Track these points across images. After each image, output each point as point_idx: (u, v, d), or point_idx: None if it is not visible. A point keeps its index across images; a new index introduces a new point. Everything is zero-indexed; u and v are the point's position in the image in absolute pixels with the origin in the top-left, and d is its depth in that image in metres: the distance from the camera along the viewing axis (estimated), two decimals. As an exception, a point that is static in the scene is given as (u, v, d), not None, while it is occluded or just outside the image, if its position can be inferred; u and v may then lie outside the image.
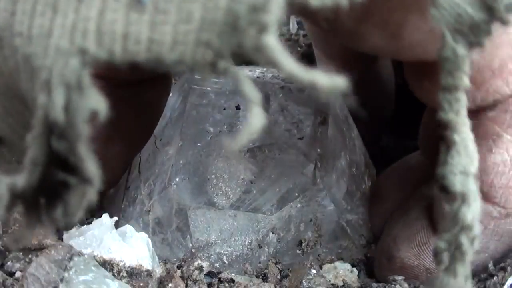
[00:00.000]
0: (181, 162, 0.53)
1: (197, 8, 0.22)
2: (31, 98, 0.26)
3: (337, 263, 0.54)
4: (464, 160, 0.24)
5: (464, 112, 0.25)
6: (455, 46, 0.24)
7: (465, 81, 0.25)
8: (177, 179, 0.52)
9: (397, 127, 0.75)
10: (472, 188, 0.24)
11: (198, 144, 0.54)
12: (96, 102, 0.23)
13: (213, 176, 0.52)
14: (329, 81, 0.21)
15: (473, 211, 0.24)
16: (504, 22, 0.23)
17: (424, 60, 0.33)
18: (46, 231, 0.51)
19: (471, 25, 0.23)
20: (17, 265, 0.48)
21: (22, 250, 0.50)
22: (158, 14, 0.22)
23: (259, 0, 0.21)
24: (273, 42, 0.22)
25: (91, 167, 0.24)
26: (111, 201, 0.60)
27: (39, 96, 0.24)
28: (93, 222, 0.48)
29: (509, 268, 0.52)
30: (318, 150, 0.54)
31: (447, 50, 0.24)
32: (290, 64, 0.22)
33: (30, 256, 0.48)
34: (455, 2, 0.23)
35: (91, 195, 0.26)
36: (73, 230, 0.49)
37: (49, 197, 0.26)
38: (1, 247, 0.50)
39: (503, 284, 0.50)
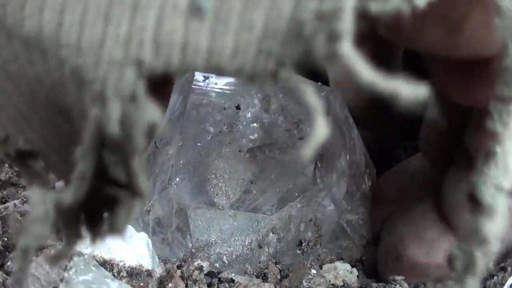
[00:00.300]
0: (181, 162, 0.53)
1: (259, 17, 0.21)
2: (79, 111, 0.25)
3: (337, 263, 0.54)
4: (500, 174, 0.24)
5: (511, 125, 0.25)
6: None
7: None
8: (177, 179, 0.52)
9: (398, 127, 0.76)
10: (501, 204, 0.24)
11: (198, 144, 0.54)
12: (152, 114, 0.23)
13: (213, 176, 0.52)
14: (411, 90, 0.21)
15: (497, 227, 0.24)
16: None
17: (480, 57, 0.32)
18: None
19: None
20: (17, 265, 0.48)
21: (22, 250, 0.50)
22: (218, 23, 0.22)
23: (326, 7, 0.21)
24: (348, 50, 0.21)
25: (143, 180, 0.24)
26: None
27: (91, 110, 0.23)
28: None
29: (509, 268, 0.52)
30: (318, 150, 0.54)
31: (507, 60, 0.24)
32: (368, 73, 0.21)
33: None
34: None
35: (137, 208, 0.25)
36: None
37: (92, 212, 0.25)
38: (1, 247, 0.50)
39: (503, 284, 0.50)
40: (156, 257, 0.48)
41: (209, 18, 0.21)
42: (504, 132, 0.24)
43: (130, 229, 0.48)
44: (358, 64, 0.21)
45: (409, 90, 0.21)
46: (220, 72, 0.22)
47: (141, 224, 0.53)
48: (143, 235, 0.48)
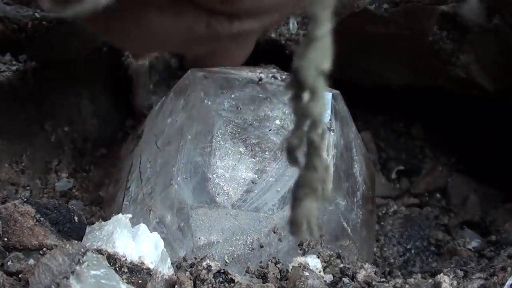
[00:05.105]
0: (182, 161, 0.53)
1: None
2: None
3: (308, 258, 0.53)
4: (320, 57, 0.24)
5: (330, 10, 0.25)
6: None
7: None
8: (178, 179, 0.52)
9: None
10: (322, 85, 0.25)
11: (200, 144, 0.54)
12: None
13: (214, 175, 0.53)
14: None
15: (320, 105, 0.25)
16: None
17: None
18: (46, 232, 0.51)
19: None
20: (17, 265, 0.48)
21: (22, 250, 0.50)
22: None
23: None
24: None
25: None
26: (112, 200, 0.60)
27: None
28: (111, 218, 0.48)
29: (509, 268, 0.52)
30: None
31: None
32: None
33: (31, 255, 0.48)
34: None
35: None
36: (95, 224, 0.50)
37: None
38: (1, 247, 0.50)
39: (503, 284, 0.50)
40: (168, 258, 0.48)
41: None
42: (323, 14, 0.24)
43: (143, 228, 0.48)
44: None
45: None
46: None
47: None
48: (155, 235, 0.48)
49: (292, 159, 0.26)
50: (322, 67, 0.25)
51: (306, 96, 0.25)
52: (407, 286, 0.52)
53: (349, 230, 0.56)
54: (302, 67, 0.25)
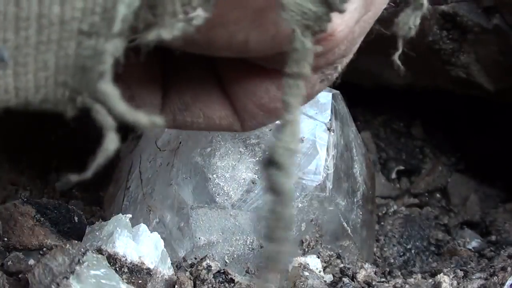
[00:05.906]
0: (182, 161, 0.53)
1: (50, 57, 0.26)
2: None
3: (308, 258, 0.53)
4: (291, 139, 0.27)
5: (300, 98, 0.28)
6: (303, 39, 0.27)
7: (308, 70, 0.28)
8: (178, 179, 0.52)
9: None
10: (290, 162, 0.27)
11: (199, 143, 0.54)
12: None
13: (214, 175, 0.53)
14: (148, 119, 0.26)
15: (289, 182, 0.27)
16: (340, 11, 0.27)
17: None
18: (46, 232, 0.51)
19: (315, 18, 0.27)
20: (17, 265, 0.48)
21: (22, 250, 0.50)
22: (19, 67, 0.26)
23: (87, 53, 0.25)
24: (106, 87, 0.25)
25: None
26: (112, 200, 0.60)
27: None
28: (111, 218, 0.48)
29: (509, 268, 0.52)
30: (319, 150, 0.54)
31: (296, 43, 0.27)
32: (121, 106, 0.26)
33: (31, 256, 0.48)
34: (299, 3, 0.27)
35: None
36: (95, 224, 0.50)
37: None
38: (1, 247, 0.50)
39: (503, 284, 0.51)
40: (168, 259, 0.48)
41: (11, 65, 0.25)
42: (294, 102, 0.27)
43: (143, 228, 0.48)
44: (114, 99, 0.25)
45: (146, 119, 0.26)
46: (29, 104, 0.26)
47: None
48: (155, 236, 0.48)
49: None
50: (292, 147, 0.27)
51: (274, 171, 0.27)
52: (407, 286, 0.52)
53: (349, 230, 0.56)
54: (273, 146, 0.27)
